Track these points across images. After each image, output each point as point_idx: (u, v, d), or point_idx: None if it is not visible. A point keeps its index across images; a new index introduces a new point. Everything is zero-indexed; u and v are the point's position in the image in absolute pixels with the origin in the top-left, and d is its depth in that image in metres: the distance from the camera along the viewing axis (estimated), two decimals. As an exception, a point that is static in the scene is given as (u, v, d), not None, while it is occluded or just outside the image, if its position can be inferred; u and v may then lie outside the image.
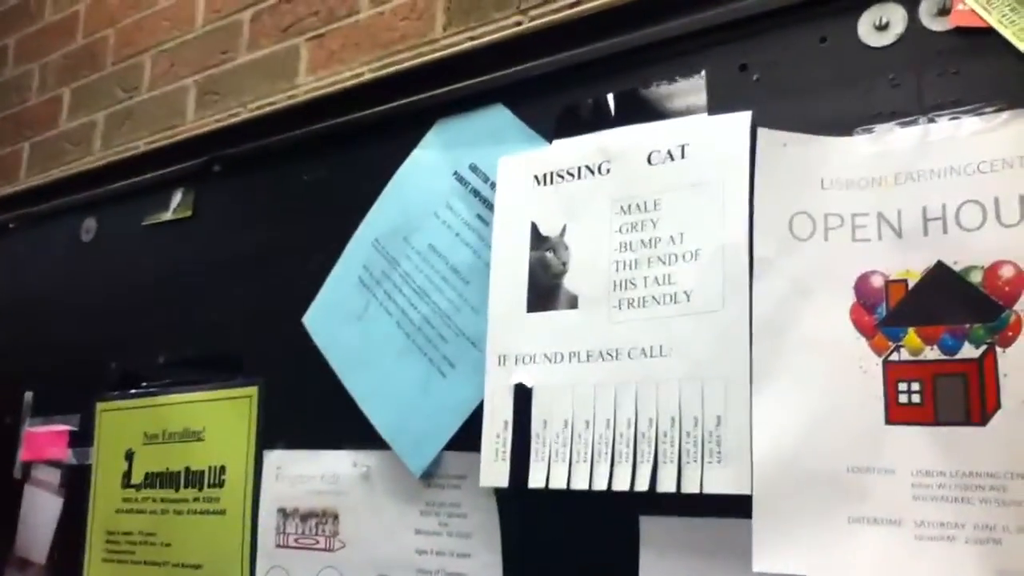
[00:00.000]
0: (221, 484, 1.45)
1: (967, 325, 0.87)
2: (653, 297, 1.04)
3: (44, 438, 1.77)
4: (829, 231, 0.95)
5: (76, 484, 1.68)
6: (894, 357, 0.90)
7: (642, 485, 1.00)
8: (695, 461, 0.97)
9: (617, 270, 1.07)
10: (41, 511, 1.75)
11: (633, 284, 1.05)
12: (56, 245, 1.86)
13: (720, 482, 0.95)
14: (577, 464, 1.05)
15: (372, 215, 1.33)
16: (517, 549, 1.14)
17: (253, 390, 1.43)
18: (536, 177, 1.16)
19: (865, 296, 0.92)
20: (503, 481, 1.10)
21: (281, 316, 1.40)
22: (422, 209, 1.28)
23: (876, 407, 0.89)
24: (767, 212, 0.98)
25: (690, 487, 0.97)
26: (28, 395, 1.82)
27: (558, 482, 1.05)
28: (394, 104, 1.36)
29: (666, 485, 0.98)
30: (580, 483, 1.04)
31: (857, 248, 0.93)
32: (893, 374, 0.90)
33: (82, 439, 1.69)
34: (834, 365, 0.92)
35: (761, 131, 1.00)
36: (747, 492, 0.93)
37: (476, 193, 1.23)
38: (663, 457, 0.99)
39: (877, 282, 0.92)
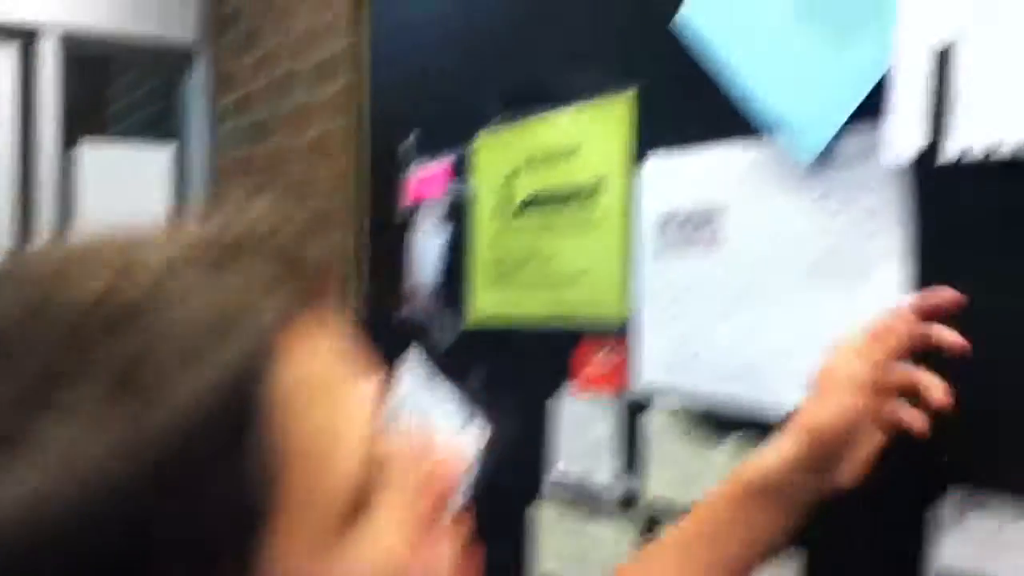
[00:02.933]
0: (600, 196, 1.43)
1: None
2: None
3: (427, 178, 1.84)
4: None
5: (460, 215, 1.75)
6: None
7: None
8: None
9: None
10: (428, 248, 1.84)
11: None
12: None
13: None
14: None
15: None
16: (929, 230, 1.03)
17: (629, 96, 1.38)
18: None
19: None
20: (914, 149, 0.98)
21: (654, 15, 1.32)
22: None
23: None
24: None
25: None
26: (410, 136, 1.89)
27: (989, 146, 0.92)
28: None
29: None
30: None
31: None
32: None
33: (462, 173, 1.74)
34: None
35: None
36: None
37: None
38: None
39: None
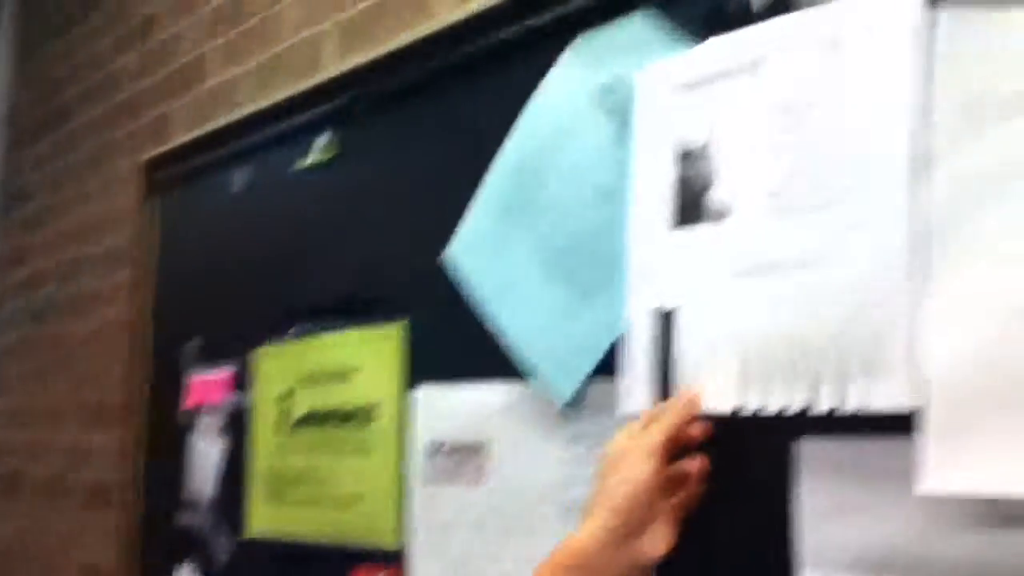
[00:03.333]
0: (373, 421, 1.45)
1: None
2: (811, 205, 0.95)
3: (207, 385, 1.82)
4: (1016, 119, 0.84)
5: (238, 428, 1.73)
6: (1091, 250, 0.79)
7: (799, 405, 0.92)
8: (857, 377, 0.88)
9: (771, 177, 0.98)
10: (205, 456, 1.80)
11: (789, 192, 0.96)
12: (211, 197, 1.90)
13: (881, 397, 0.86)
14: (726, 387, 0.98)
15: (512, 141, 1.29)
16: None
17: (401, 327, 1.42)
18: (680, 84, 1.09)
19: (1054, 185, 0.81)
20: (646, 407, 1.04)
21: (427, 252, 1.38)
22: (562, 130, 1.22)
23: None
24: (940, 102, 0.87)
25: (850, 406, 0.89)
26: (191, 344, 1.87)
27: (710, 406, 0.99)
28: (533, 22, 1.30)
29: (824, 404, 0.90)
30: (727, 406, 0.97)
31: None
32: (1091, 270, 0.79)
33: (242, 384, 1.72)
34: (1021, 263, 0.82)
35: (931, 9, 0.89)
36: (912, 406, 0.84)
37: (618, 109, 1.17)
38: (821, 376, 0.91)
39: (1071, 167, 0.81)
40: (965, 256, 0.84)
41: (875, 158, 0.91)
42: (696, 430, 1.00)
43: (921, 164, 0.87)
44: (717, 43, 1.06)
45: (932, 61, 0.88)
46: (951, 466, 0.82)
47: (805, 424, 0.94)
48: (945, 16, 0.88)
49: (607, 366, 1.12)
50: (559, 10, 1.25)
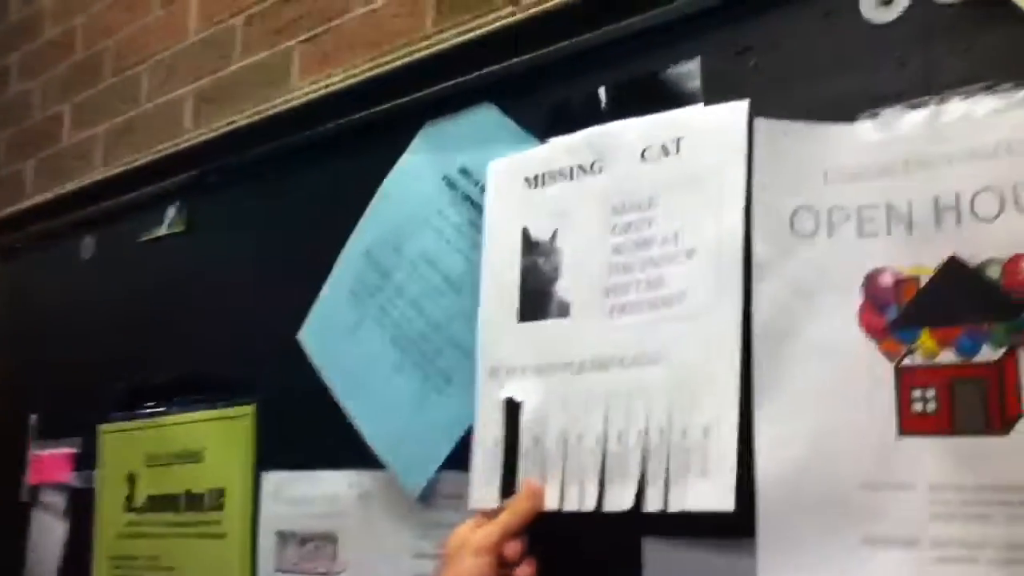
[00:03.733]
0: (221, 507, 1.40)
1: (986, 325, 0.79)
2: (647, 302, 0.96)
3: (49, 461, 1.74)
4: (834, 226, 0.87)
5: (81, 507, 1.65)
6: (907, 362, 0.82)
7: (627, 503, 0.93)
8: (683, 477, 0.90)
9: (610, 274, 1.00)
10: (48, 535, 1.72)
11: (626, 289, 0.98)
12: (58, 264, 1.83)
13: (705, 498, 0.88)
14: (569, 484, 0.98)
15: (363, 225, 1.27)
16: None
17: (250, 409, 1.38)
18: (526, 179, 1.10)
19: (874, 296, 0.84)
20: (494, 503, 1.03)
21: (278, 331, 1.35)
22: (412, 217, 1.22)
23: (888, 417, 0.82)
24: (766, 208, 0.90)
25: (677, 505, 0.90)
26: (33, 417, 1.78)
27: (551, 503, 0.99)
28: (385, 107, 1.29)
29: (654, 504, 0.91)
30: (571, 504, 0.97)
31: (865, 244, 0.86)
32: (906, 380, 0.82)
33: (86, 462, 1.65)
34: (842, 372, 0.84)
35: (758, 121, 0.92)
36: (730, 509, 0.86)
37: (467, 198, 1.17)
38: (652, 474, 0.92)
39: (887, 280, 0.84)
40: (787, 365, 0.87)
41: (708, 259, 0.93)
42: (517, 543, 1.00)
43: (753, 267, 0.90)
44: (563, 141, 1.08)
45: (753, 169, 0.91)
46: (784, 572, 0.84)
47: (646, 523, 0.94)
48: (762, 126, 0.92)
49: (461, 456, 1.11)
50: (410, 96, 1.25)
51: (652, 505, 0.92)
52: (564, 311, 1.03)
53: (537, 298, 1.05)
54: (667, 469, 0.91)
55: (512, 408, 1.04)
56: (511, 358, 1.06)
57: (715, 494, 0.87)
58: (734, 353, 0.89)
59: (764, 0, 0.97)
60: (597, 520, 0.96)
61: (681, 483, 0.90)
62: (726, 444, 0.88)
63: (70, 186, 1.87)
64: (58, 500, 1.70)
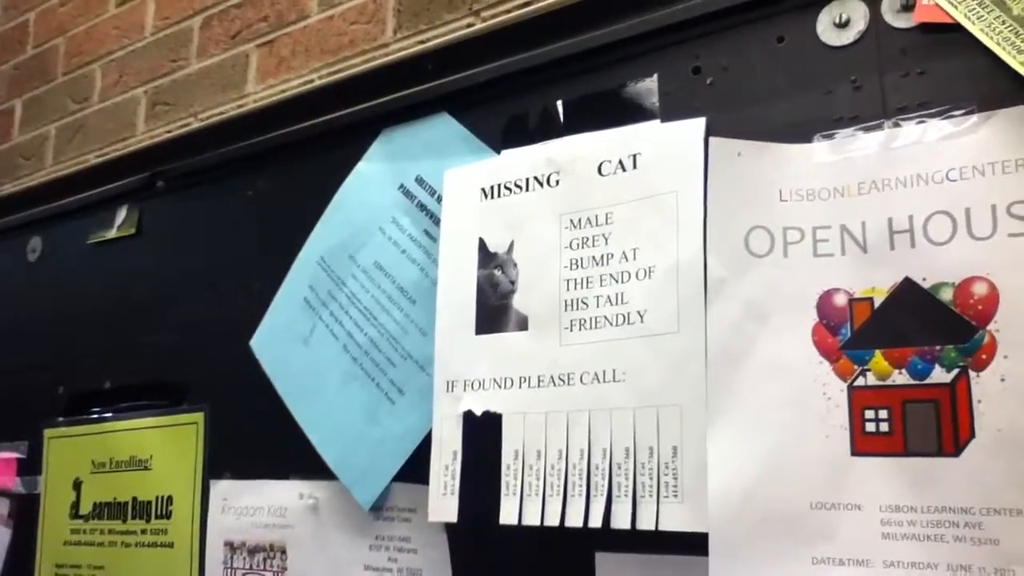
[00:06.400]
0: (168, 515, 1.38)
1: (938, 347, 0.80)
2: (605, 318, 0.96)
3: (-7, 466, 1.70)
4: (788, 246, 0.88)
5: (25, 513, 1.61)
6: (860, 382, 0.83)
7: (596, 521, 0.93)
8: (651, 496, 0.90)
9: (567, 289, 1.00)
10: (-10, 543, 1.68)
11: (584, 304, 0.98)
12: (4, 265, 1.78)
13: (677, 519, 0.88)
14: (529, 498, 0.98)
15: (317, 232, 1.26)
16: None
17: (199, 416, 1.36)
18: (483, 190, 1.09)
19: (828, 316, 0.85)
20: (452, 516, 1.03)
21: (228, 338, 1.33)
22: (367, 225, 1.21)
23: (841, 437, 0.82)
24: (721, 227, 0.91)
25: (645, 524, 0.90)
26: (-23, 421, 1.75)
27: (509, 518, 0.98)
28: (341, 113, 1.28)
29: (620, 521, 0.91)
30: (532, 519, 0.97)
31: (818, 264, 0.86)
32: (859, 401, 0.83)
33: (30, 467, 1.62)
34: (795, 392, 0.85)
35: (713, 140, 0.93)
36: (705, 530, 0.86)
37: (423, 207, 1.16)
38: (617, 491, 0.92)
39: (840, 301, 0.85)
40: (740, 383, 0.87)
41: (667, 279, 0.93)
42: None
43: (708, 286, 0.90)
44: (520, 152, 1.07)
45: (708, 187, 0.92)
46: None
47: (599, 538, 0.94)
48: (717, 145, 0.92)
49: (414, 468, 1.10)
50: (367, 104, 1.24)
51: (619, 522, 0.91)
52: (522, 324, 1.02)
53: (494, 311, 1.05)
54: (634, 488, 0.91)
55: (471, 420, 1.04)
56: (469, 371, 1.05)
57: (692, 516, 0.87)
58: (700, 374, 0.89)
59: (722, 20, 0.98)
60: (552, 534, 0.96)
61: (650, 503, 0.90)
62: (699, 465, 0.88)
63: (19, 185, 1.83)
64: (1, 506, 1.67)
